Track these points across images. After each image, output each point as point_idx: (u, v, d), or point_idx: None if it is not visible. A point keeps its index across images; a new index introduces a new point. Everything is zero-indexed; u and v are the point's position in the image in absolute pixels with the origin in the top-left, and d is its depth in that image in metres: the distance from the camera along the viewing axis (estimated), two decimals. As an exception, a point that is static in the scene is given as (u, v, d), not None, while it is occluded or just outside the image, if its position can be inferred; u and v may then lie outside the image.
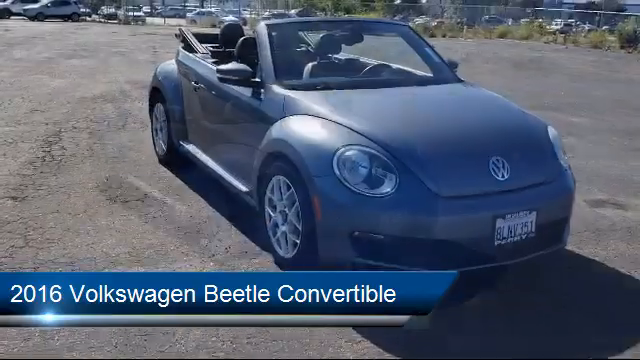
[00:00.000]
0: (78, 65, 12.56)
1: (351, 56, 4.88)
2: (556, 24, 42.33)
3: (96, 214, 4.14)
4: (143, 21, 36.63)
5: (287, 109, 3.45)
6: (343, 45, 4.57)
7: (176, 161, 5.19)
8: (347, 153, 2.97)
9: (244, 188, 3.84)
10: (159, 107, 5.37)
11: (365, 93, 3.66)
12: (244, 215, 4.04)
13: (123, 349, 2.60)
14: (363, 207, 2.86)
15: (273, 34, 3.98)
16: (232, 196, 4.08)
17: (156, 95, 5.40)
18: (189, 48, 5.22)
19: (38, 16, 35.43)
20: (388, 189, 2.87)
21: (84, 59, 13.73)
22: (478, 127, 3.30)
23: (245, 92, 3.82)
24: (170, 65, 5.32)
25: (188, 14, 42.57)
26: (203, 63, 4.63)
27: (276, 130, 3.41)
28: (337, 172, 2.93)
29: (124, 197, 4.50)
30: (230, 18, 40.86)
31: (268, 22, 4.08)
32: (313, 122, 3.26)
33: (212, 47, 5.29)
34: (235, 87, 3.89)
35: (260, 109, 3.64)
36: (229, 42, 5.11)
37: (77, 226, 3.92)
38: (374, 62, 4.73)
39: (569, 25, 48.60)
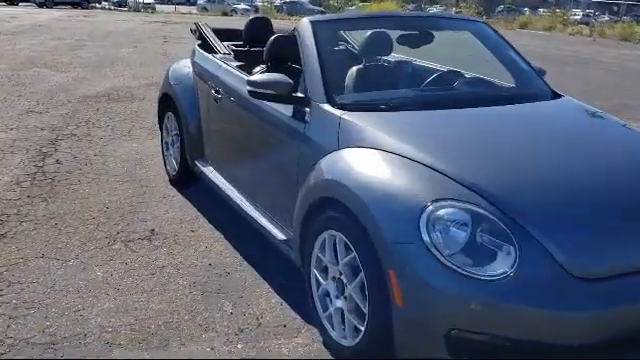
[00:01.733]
0: (83, 56, 11.70)
1: (402, 57, 3.97)
2: (574, 14, 41.00)
3: (91, 261, 3.28)
4: (153, 9, 35.69)
5: (344, 138, 2.56)
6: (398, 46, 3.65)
7: (190, 182, 4.31)
8: (441, 212, 2.07)
9: (280, 235, 2.97)
10: (170, 117, 4.49)
11: (448, 116, 2.75)
12: (279, 265, 3.17)
13: None
14: (467, 294, 1.97)
15: (321, 34, 3.07)
16: (261, 236, 3.20)
17: (167, 103, 4.51)
18: (207, 47, 4.33)
19: (47, 3, 34.64)
20: (504, 268, 1.98)
21: (90, 50, 12.86)
22: (620, 171, 2.39)
23: (284, 109, 2.93)
24: (184, 67, 4.43)
25: (199, 1, 41.55)
26: (226, 68, 3.73)
27: (329, 166, 2.52)
28: (426, 239, 2.04)
29: (127, 234, 3.63)
30: (242, 6, 39.93)
31: (313, 18, 3.17)
32: (384, 160, 2.36)
33: (234, 46, 4.39)
34: (270, 103, 2.99)
35: (305, 134, 2.75)
36: (255, 40, 4.22)
37: (66, 280, 3.05)
38: (438, 67, 3.82)
39: (588, 16, 47.25)
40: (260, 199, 3.27)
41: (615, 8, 52.00)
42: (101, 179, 4.61)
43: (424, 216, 2.07)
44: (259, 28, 4.31)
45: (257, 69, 3.87)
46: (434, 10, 46.20)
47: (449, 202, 2.09)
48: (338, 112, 2.65)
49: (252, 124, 3.29)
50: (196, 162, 4.08)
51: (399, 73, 3.62)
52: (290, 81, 2.86)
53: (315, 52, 2.93)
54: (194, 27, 4.61)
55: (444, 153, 2.36)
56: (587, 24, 33.63)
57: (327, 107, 2.71)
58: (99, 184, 4.49)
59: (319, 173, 2.56)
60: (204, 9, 39.01)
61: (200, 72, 4.12)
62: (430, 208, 2.08)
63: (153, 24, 22.39)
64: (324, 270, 2.56)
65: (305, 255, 2.67)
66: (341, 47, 4.11)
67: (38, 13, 26.47)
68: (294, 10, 37.25)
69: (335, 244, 2.44)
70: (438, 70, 3.74)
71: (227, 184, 3.65)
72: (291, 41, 3.86)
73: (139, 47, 13.83)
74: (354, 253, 2.30)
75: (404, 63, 3.97)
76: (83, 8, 34.83)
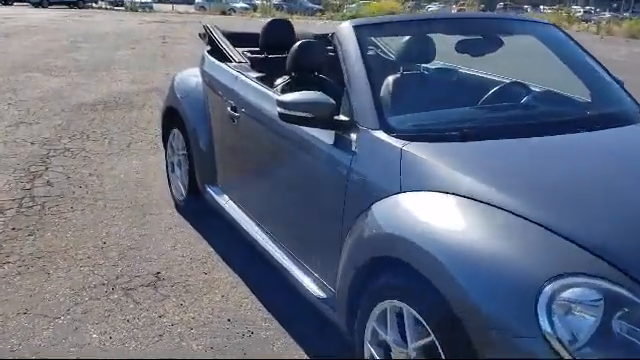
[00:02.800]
0: (79, 59, 11.10)
1: (442, 64, 3.40)
2: (574, 12, 40.47)
3: (85, 317, 2.70)
4: (150, 8, 35.09)
5: (408, 177, 1.99)
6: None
7: (200, 209, 3.74)
8: (567, 292, 1.50)
9: (317, 291, 2.40)
10: (176, 135, 3.91)
11: (536, 148, 2.17)
12: (314, 322, 2.60)
13: None
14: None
15: (367, 42, 2.49)
16: (290, 283, 2.63)
17: (172, 118, 3.93)
18: (219, 53, 3.74)
19: (42, 3, 34.01)
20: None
21: (86, 52, 12.27)
22: None
23: (324, 136, 2.36)
24: (192, 77, 3.85)
25: (197, 0, 40.90)
26: (245, 80, 3.16)
27: (389, 215, 1.96)
28: (547, 329, 1.47)
29: (128, 278, 3.06)
30: (241, 5, 39.28)
31: (357, 23, 2.57)
32: (471, 211, 1.79)
33: (249, 52, 3.82)
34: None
35: (352, 169, 2.17)
36: (274, 46, 3.66)
37: (54, 346, 2.48)
38: (493, 77, 3.25)
39: (588, 12, 46.75)
40: (290, 242, 2.69)
41: (614, 5, 51.51)
42: (97, 205, 4.03)
43: (543, 298, 1.50)
44: (279, 32, 3.74)
45: (279, 81, 3.31)
46: (433, 8, 45.42)
47: (577, 279, 1.52)
48: (398, 142, 2.07)
49: (281, 151, 2.71)
50: (208, 188, 3.51)
51: (454, 86, 3.05)
52: (332, 101, 2.28)
53: (362, 65, 2.35)
54: (203, 31, 4.02)
55: (549, 202, 1.79)
56: (587, 21, 33.12)
57: (382, 135, 2.14)
58: (95, 212, 3.92)
59: (375, 223, 1.99)
60: (202, 8, 38.36)
61: (211, 84, 3.54)
62: (552, 287, 1.51)
63: (151, 24, 21.78)
64: (384, 348, 1.99)
65: (355, 324, 2.10)
66: (370, 53, 3.53)
67: (33, 13, 25.85)
68: (293, 8, 36.61)
69: (403, 318, 1.87)
70: (495, 81, 3.16)
71: (246, 218, 3.07)
72: (319, 48, 3.31)
73: (137, 49, 13.24)
74: (432, 337, 1.73)
75: (450, 72, 3.40)
76: (79, 8, 34.21)
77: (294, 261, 2.64)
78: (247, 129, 3.03)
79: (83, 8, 34.18)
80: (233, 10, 37.40)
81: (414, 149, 2.02)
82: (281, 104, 2.32)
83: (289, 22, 3.80)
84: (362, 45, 2.43)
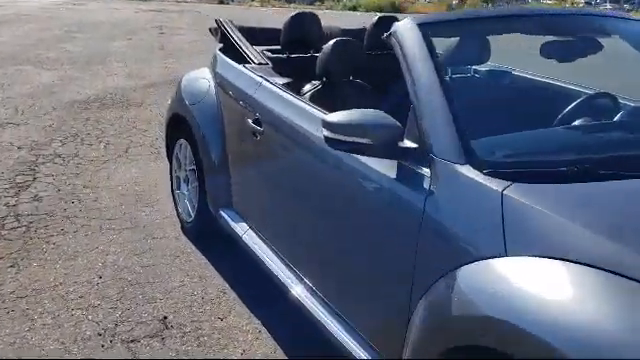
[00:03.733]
0: (72, 51, 10.50)
1: (496, 67, 2.88)
2: (577, 3, 39.87)
3: (76, 384, 2.19)
4: (146, -4, 34.22)
5: (515, 235, 1.46)
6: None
7: (210, 233, 3.22)
8: None
9: (365, 356, 1.89)
10: (184, 147, 3.38)
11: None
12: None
13: None
14: None
15: (434, 44, 1.95)
16: (328, 341, 2.12)
17: (179, 127, 3.40)
18: (234, 53, 3.21)
19: (34, -11, 33.16)
20: None
21: (79, 42, 11.65)
22: None
23: (381, 166, 1.84)
24: (202, 80, 3.31)
25: (194, -11, 39.98)
26: (269, 87, 2.63)
27: (483, 288, 1.44)
28: None
29: (129, 325, 2.54)
30: (239, -7, 38.42)
31: (422, 20, 2.03)
32: (621, 293, 1.27)
33: (268, 50, 3.29)
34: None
35: (427, 215, 1.65)
36: (297, 44, 3.13)
37: None
38: (559, 83, 2.73)
39: (589, 4, 46.23)
40: (329, 291, 2.18)
41: (615, -5, 51.09)
42: (92, 226, 3.50)
43: None
44: (304, 28, 3.22)
45: (308, 87, 2.78)
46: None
47: None
48: (496, 184, 1.54)
49: (321, 179, 2.19)
50: (222, 212, 2.99)
51: (527, 96, 2.53)
52: (397, 124, 1.76)
53: (435, 74, 1.82)
54: (215, 26, 3.47)
55: None
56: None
57: (469, 172, 1.61)
58: (89, 235, 3.39)
59: (463, 297, 1.48)
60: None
61: (227, 89, 3.01)
62: None
63: (147, 13, 21.08)
64: None
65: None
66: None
67: (24, 1, 25.11)
68: (292, -3, 35.84)
69: None
70: (564, 88, 2.65)
71: (271, 255, 2.55)
72: (357, 48, 2.78)
73: (134, 39, 12.62)
74: None
75: (508, 76, 2.89)
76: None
77: (333, 314, 2.13)
78: (274, 148, 2.50)
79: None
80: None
81: (522, 194, 1.50)
82: (329, 126, 1.79)
83: (316, 16, 3.27)
84: (431, 48, 1.90)
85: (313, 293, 2.26)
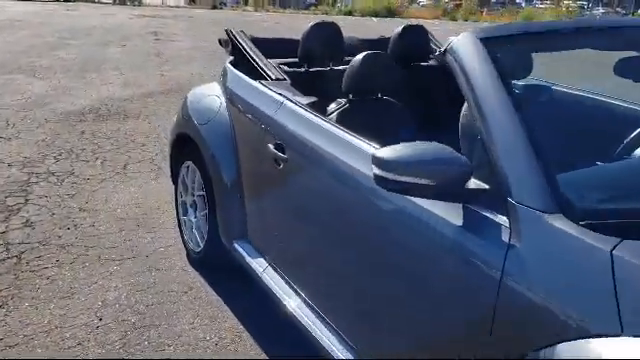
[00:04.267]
0: (65, 58, 10.17)
1: (535, 81, 2.59)
2: (570, 7, 39.85)
3: None
4: (139, 1, 33.92)
5: (633, 305, 1.16)
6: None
7: (221, 265, 2.92)
8: None
9: None
10: (192, 170, 3.08)
11: None
12: None
13: None
14: None
15: (506, 64, 1.66)
16: None
17: (185, 148, 3.10)
18: (247, 67, 2.91)
19: (26, -6, 32.78)
20: None
21: (73, 49, 11.32)
22: None
23: (441, 209, 1.54)
24: (211, 97, 3.01)
25: (187, -7, 39.69)
26: (294, 109, 2.32)
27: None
28: None
29: (135, 380, 2.23)
30: (231, -2, 38.14)
31: (485, 34, 1.74)
32: None
33: (284, 64, 2.99)
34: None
35: (508, 274, 1.36)
36: (317, 57, 2.83)
37: None
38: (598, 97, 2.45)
39: (582, 8, 46.25)
40: (368, 349, 1.87)
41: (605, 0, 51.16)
42: (90, 256, 3.19)
43: None
44: (325, 39, 2.92)
45: (333, 106, 2.49)
46: (424, 2, 44.43)
47: None
48: (601, 241, 1.25)
49: (362, 220, 1.88)
50: (236, 245, 2.68)
51: (589, 117, 2.24)
52: (464, 160, 1.46)
53: (508, 100, 1.53)
54: (225, 37, 3.17)
55: None
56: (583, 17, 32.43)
57: (564, 224, 1.32)
58: (87, 266, 3.08)
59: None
60: (192, 1, 37.22)
61: (241, 107, 2.71)
62: None
63: (141, 18, 20.75)
64: None
65: None
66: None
67: (16, 6, 24.71)
68: (287, 1, 35.67)
69: None
70: (626, 108, 2.36)
71: (296, 298, 2.25)
72: (387, 62, 2.49)
73: (128, 46, 12.30)
74: None
75: (549, 91, 2.60)
76: (65, 1, 33.04)
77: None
78: (302, 179, 2.20)
79: (69, 1, 33.03)
80: (224, 4, 36.30)
81: (638, 254, 1.21)
82: (380, 163, 1.49)
83: (337, 26, 2.97)
84: (501, 69, 1.60)
85: (347, 346, 1.96)
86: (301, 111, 2.28)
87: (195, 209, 3.09)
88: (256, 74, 2.81)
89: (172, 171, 3.36)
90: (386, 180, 1.48)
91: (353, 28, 19.38)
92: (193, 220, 3.10)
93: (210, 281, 2.96)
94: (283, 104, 2.36)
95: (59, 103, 6.73)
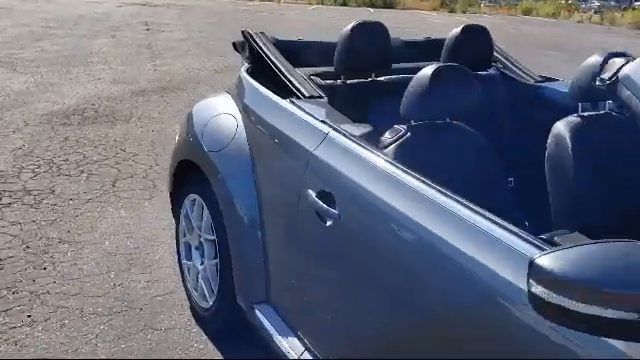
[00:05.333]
0: (50, 50, 9.46)
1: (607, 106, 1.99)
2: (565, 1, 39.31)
3: None
4: (130, -12, 32.92)
5: None
6: None
7: (235, 328, 2.31)
8: None
9: None
10: (198, 205, 2.45)
11: None
12: None
13: None
14: None
15: None
16: None
17: (190, 177, 2.48)
18: (270, 78, 2.29)
19: (11, -20, 31.75)
20: None
21: (58, 40, 10.60)
22: None
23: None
24: (225, 116, 2.38)
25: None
26: (346, 144, 1.70)
27: None
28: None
29: None
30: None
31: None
32: None
33: (316, 75, 2.38)
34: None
35: None
36: (358, 65, 2.22)
37: None
38: None
39: (579, 0, 45.76)
40: None
41: (605, -7, 50.85)
42: (70, 308, 2.57)
43: None
44: (368, 43, 2.31)
45: (388, 136, 1.87)
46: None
47: None
48: None
49: (453, 314, 1.28)
50: (257, 311, 2.07)
51: None
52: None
53: None
54: (242, 39, 2.53)
55: None
56: (578, 10, 31.85)
57: None
58: (66, 324, 2.46)
59: None
60: (184, -11, 36.23)
61: (265, 131, 2.10)
62: None
63: (130, 7, 19.93)
64: None
65: None
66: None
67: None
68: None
69: None
70: None
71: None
72: (463, 78, 1.89)
73: (118, 37, 11.58)
74: None
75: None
76: (52, -13, 31.99)
77: None
78: (359, 245, 1.59)
79: (56, -13, 31.99)
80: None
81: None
82: (544, 277, 0.89)
83: (384, 27, 2.35)
84: None
85: None
86: (356, 147, 1.67)
87: (202, 254, 2.48)
88: (283, 89, 2.19)
89: (172, 203, 2.74)
90: (549, 307, 0.88)
91: (352, 19, 18.81)
92: (199, 267, 2.49)
93: (223, 347, 2.36)
94: (328, 136, 1.75)
95: (40, 102, 6.07)
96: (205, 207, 2.37)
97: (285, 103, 2.05)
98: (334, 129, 1.76)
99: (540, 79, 2.68)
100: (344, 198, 1.61)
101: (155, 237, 3.28)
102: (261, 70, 2.41)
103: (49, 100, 6.18)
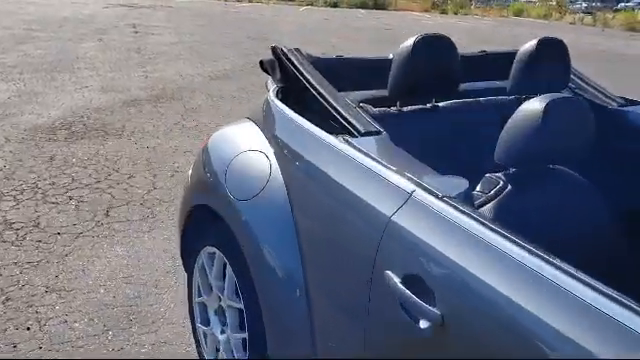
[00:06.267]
0: (33, 55, 8.93)
1: None
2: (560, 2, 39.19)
3: None
4: (115, -12, 32.23)
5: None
6: None
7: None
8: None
9: None
10: (218, 260, 1.98)
11: None
12: None
13: None
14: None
15: None
16: None
17: (207, 226, 2.01)
18: (310, 105, 1.84)
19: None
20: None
21: (42, 43, 10.06)
22: None
23: None
24: (250, 152, 1.92)
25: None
26: (442, 210, 1.24)
27: None
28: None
29: None
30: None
31: None
32: None
33: (365, 101, 1.93)
34: None
35: None
36: (420, 88, 1.79)
37: None
38: None
39: (571, 2, 45.81)
40: None
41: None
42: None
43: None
44: (431, 60, 1.86)
45: (481, 190, 1.43)
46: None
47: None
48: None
49: None
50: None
51: None
52: None
53: None
54: (272, 54, 2.07)
55: None
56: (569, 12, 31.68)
57: None
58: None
59: None
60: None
61: (312, 180, 1.65)
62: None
63: (117, 8, 19.34)
64: None
65: None
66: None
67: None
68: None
69: None
70: None
71: None
72: (580, 113, 1.46)
73: (105, 40, 11.05)
74: None
75: None
76: (35, -13, 31.22)
77: None
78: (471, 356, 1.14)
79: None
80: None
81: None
82: None
83: (450, 41, 1.91)
84: None
85: None
86: (453, 213, 1.22)
87: (223, 320, 2.02)
88: (325, 119, 1.74)
89: (183, 252, 2.27)
90: None
91: (343, 21, 18.30)
92: (219, 337, 2.03)
93: None
94: (413, 197, 1.30)
95: (23, 115, 5.56)
96: (228, 265, 1.91)
97: (338, 142, 1.59)
98: (421, 187, 1.31)
99: (622, 102, 2.25)
100: (448, 290, 1.16)
101: (158, 282, 2.82)
102: (295, 94, 1.96)
103: (33, 112, 5.68)
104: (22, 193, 3.75)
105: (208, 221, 2.00)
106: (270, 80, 2.18)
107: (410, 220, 1.28)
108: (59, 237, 3.21)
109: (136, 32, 12.78)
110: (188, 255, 2.19)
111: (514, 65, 2.09)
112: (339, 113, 1.72)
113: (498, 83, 2.23)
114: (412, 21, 21.40)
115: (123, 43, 10.81)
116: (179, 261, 2.96)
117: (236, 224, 1.82)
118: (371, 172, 1.43)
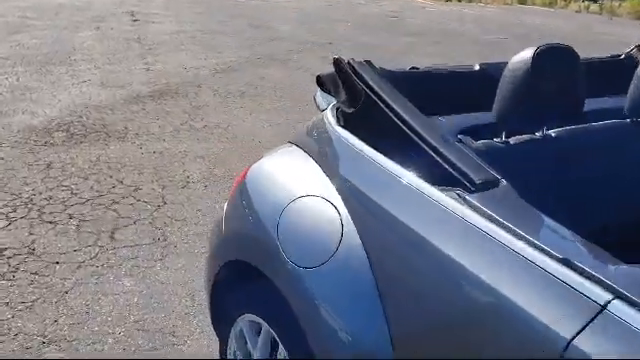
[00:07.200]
0: (27, 45, 8.42)
1: None
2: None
3: None
4: (111, -27, 31.54)
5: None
6: None
7: None
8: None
9: None
10: (265, 334, 1.53)
11: None
12: None
13: None
14: None
15: None
16: None
17: (246, 284, 1.57)
18: (386, 135, 1.38)
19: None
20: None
21: (37, 33, 9.52)
22: None
23: None
24: (307, 198, 1.47)
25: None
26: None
27: None
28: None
29: None
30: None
31: None
32: None
33: (462, 131, 1.47)
34: None
35: None
36: (536, 112, 1.32)
37: None
38: None
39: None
40: None
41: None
42: None
43: None
44: (551, 77, 1.41)
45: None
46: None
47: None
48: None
49: None
50: None
51: None
52: None
53: None
54: (335, 67, 1.60)
55: None
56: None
57: None
58: None
59: None
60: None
61: (413, 248, 1.20)
62: None
63: (114, -6, 18.75)
64: None
65: None
66: None
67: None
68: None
69: None
70: None
71: None
72: None
73: (102, 29, 10.51)
74: None
75: None
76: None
77: None
78: None
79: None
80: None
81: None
82: None
83: (574, 53, 1.45)
84: None
85: None
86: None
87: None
88: (419, 162, 1.30)
89: (213, 316, 1.82)
90: None
91: (347, 8, 17.74)
92: None
93: None
94: (607, 311, 0.85)
95: (16, 114, 5.09)
96: (280, 343, 1.47)
97: (449, 200, 1.14)
98: (619, 297, 0.86)
99: None
100: None
101: (175, 329, 2.38)
102: (362, 119, 1.51)
103: (27, 110, 5.21)
104: (15, 210, 3.30)
105: (249, 281, 1.56)
106: (319, 93, 1.74)
107: (598, 347, 0.84)
108: (57, 267, 2.76)
109: (135, 20, 12.23)
110: (219, 321, 1.75)
111: (634, 80, 1.64)
112: (440, 155, 1.27)
113: (610, 100, 1.78)
114: (416, 8, 20.82)
115: (122, 32, 10.28)
116: (198, 298, 2.53)
117: (294, 295, 1.38)
118: (509, 252, 0.99)
